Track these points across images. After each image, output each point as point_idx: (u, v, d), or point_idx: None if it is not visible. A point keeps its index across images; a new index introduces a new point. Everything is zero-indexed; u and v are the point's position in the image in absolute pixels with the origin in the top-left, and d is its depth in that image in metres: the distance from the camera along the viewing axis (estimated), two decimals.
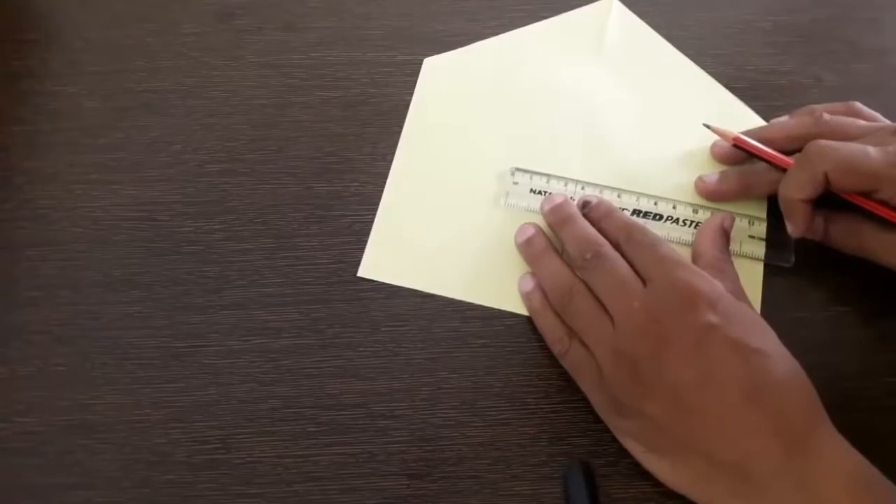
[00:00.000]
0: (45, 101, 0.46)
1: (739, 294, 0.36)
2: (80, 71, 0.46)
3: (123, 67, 0.46)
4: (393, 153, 0.44)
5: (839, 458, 0.30)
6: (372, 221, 0.42)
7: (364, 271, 0.40)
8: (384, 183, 0.43)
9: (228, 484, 0.36)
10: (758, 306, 0.39)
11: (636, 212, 0.41)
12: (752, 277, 0.40)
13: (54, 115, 0.45)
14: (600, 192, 0.41)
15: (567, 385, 0.37)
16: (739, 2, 0.49)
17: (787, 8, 0.49)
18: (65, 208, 0.42)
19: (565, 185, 0.42)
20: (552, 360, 0.38)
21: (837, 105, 0.41)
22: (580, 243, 0.38)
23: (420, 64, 0.46)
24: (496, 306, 0.40)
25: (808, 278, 0.40)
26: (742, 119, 0.45)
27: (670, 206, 0.41)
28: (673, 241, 0.40)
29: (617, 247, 0.37)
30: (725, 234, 0.38)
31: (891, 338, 0.39)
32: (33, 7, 0.49)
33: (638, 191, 0.42)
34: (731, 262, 0.38)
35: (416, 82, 0.46)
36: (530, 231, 0.40)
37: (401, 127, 0.44)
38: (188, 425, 0.37)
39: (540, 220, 0.41)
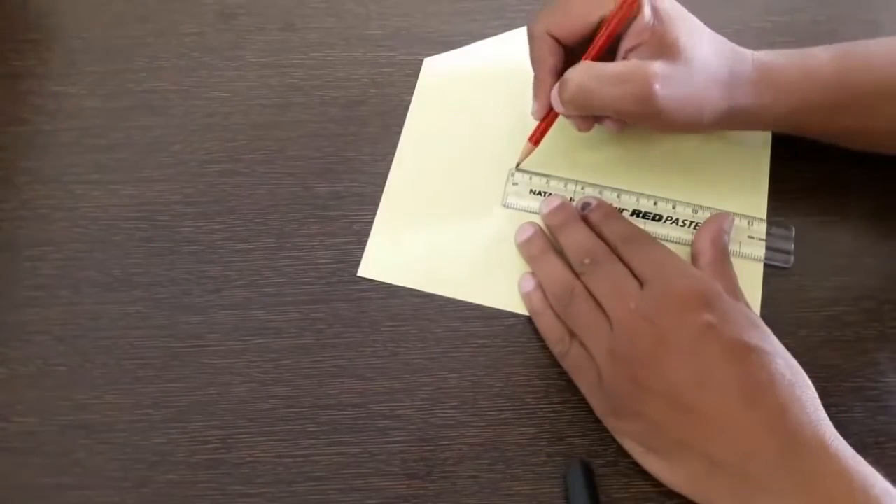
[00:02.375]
0: (45, 101, 0.46)
1: (737, 294, 0.36)
2: (80, 71, 0.47)
3: (123, 67, 0.47)
4: (393, 153, 0.44)
5: (838, 458, 0.30)
6: (372, 221, 0.42)
7: (364, 271, 0.40)
8: (384, 183, 0.43)
9: (228, 484, 0.36)
10: (758, 306, 0.39)
11: (636, 212, 0.41)
12: (751, 277, 0.40)
13: (54, 115, 0.45)
14: (600, 193, 0.42)
15: (567, 385, 0.37)
16: (739, 2, 0.49)
17: (787, 8, 0.49)
18: (65, 208, 0.42)
19: (565, 185, 0.42)
20: (552, 360, 0.38)
21: None
22: (578, 248, 0.38)
23: (420, 64, 0.46)
24: (496, 306, 0.40)
25: (808, 278, 0.40)
26: None
27: (670, 206, 0.41)
28: (672, 241, 0.40)
29: (615, 250, 0.37)
30: (724, 235, 0.38)
31: (891, 337, 0.39)
32: (33, 7, 0.49)
33: (638, 190, 0.42)
34: (730, 263, 0.38)
35: (416, 82, 0.46)
36: (530, 231, 0.40)
37: (401, 127, 0.44)
38: (188, 425, 0.37)
39: (540, 221, 0.41)
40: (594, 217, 0.39)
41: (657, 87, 0.35)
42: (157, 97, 0.46)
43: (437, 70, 0.46)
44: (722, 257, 0.38)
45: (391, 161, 0.43)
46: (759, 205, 0.42)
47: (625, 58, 0.37)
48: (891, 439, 0.37)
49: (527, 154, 0.41)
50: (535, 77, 0.39)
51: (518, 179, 0.42)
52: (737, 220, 0.41)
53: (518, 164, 0.42)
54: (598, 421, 0.36)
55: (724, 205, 0.41)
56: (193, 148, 0.44)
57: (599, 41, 0.37)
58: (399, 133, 0.44)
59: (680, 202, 0.41)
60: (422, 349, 0.39)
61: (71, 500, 0.36)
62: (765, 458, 0.31)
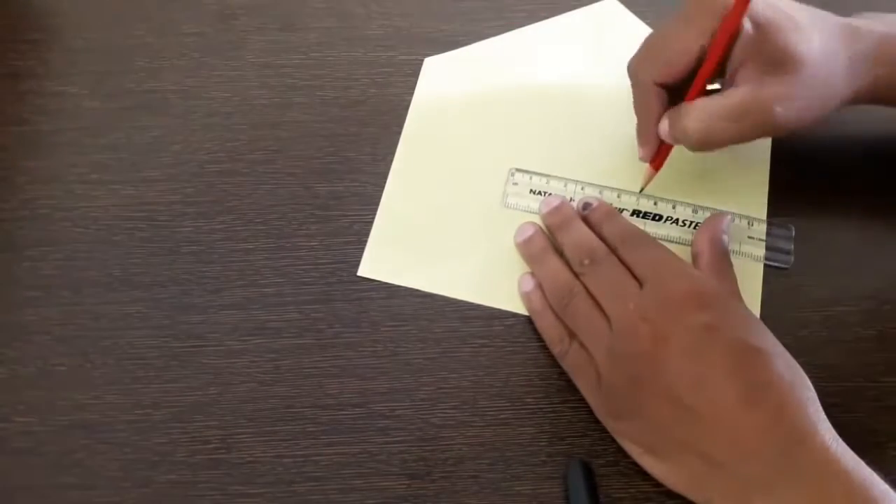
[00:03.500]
0: (45, 101, 0.46)
1: (737, 294, 0.36)
2: (80, 71, 0.47)
3: (124, 67, 0.47)
4: (393, 153, 0.44)
5: (837, 460, 0.30)
6: (372, 221, 0.42)
7: (364, 271, 0.40)
8: (384, 183, 0.43)
9: (228, 484, 0.36)
10: (757, 306, 0.39)
11: (636, 212, 0.41)
12: (751, 277, 0.40)
13: (55, 115, 0.45)
14: (600, 193, 0.42)
15: (567, 385, 0.37)
16: None
17: None
18: (65, 208, 0.42)
19: (565, 185, 0.42)
20: (552, 360, 0.38)
21: None
22: (577, 248, 0.38)
23: (420, 64, 0.46)
24: (496, 306, 0.40)
25: (808, 278, 0.40)
26: None
27: (670, 206, 0.41)
28: (673, 242, 0.40)
29: (615, 250, 0.37)
30: (723, 235, 0.38)
31: (891, 338, 0.39)
32: (34, 7, 0.49)
33: (638, 191, 0.42)
34: (730, 262, 0.38)
35: (415, 82, 0.46)
36: (530, 231, 0.40)
37: (401, 127, 0.44)
38: (188, 425, 0.37)
39: (540, 221, 0.41)
40: (594, 217, 0.39)
41: (778, 110, 0.34)
42: (157, 97, 0.46)
43: (437, 70, 0.46)
44: (721, 257, 0.38)
45: (391, 161, 0.43)
46: (759, 205, 0.42)
47: (733, 78, 0.36)
48: (891, 439, 0.37)
49: (649, 179, 0.41)
50: (640, 124, 0.39)
51: (518, 179, 0.42)
52: (737, 220, 0.41)
53: (642, 189, 0.41)
54: (598, 421, 0.36)
55: (724, 205, 0.41)
56: (193, 148, 0.44)
57: (707, 70, 0.36)
58: (399, 133, 0.44)
59: (680, 202, 0.41)
60: (422, 349, 0.39)
61: (71, 500, 0.36)
62: (764, 458, 0.31)
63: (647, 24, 0.47)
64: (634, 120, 0.40)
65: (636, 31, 0.47)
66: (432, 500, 0.36)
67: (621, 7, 0.48)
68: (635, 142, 0.40)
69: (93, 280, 0.41)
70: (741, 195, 0.42)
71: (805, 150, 0.42)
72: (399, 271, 0.40)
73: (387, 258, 0.41)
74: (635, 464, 0.35)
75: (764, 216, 0.41)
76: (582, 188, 0.42)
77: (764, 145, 0.43)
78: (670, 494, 0.34)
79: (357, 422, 0.37)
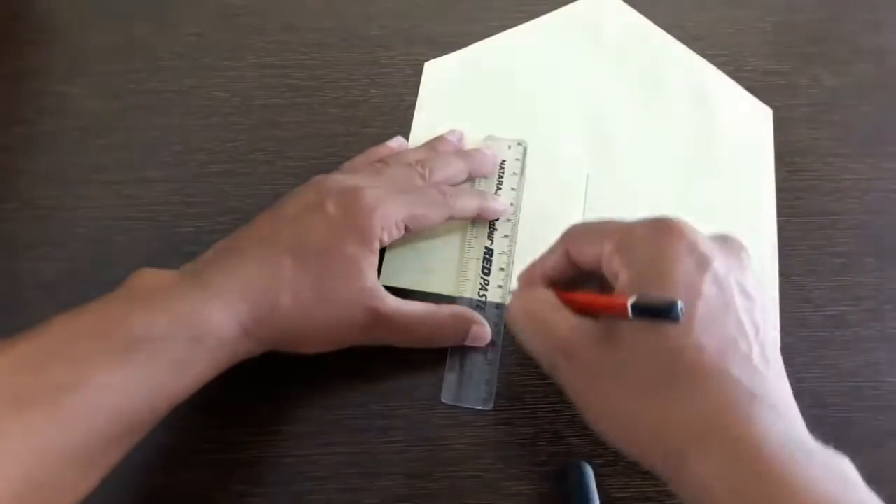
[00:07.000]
0: (46, 101, 0.46)
1: None
2: (81, 71, 0.47)
3: (124, 68, 0.47)
4: None
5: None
6: None
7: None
8: None
9: (228, 484, 0.36)
10: None
11: None
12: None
13: (56, 115, 0.45)
14: None
15: None
16: (739, 2, 0.49)
17: (787, 8, 0.49)
18: (65, 208, 0.42)
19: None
20: None
21: None
22: None
23: (420, 65, 0.46)
24: (501, 300, 0.39)
25: (808, 278, 0.40)
26: (743, 104, 0.45)
27: None
28: None
29: None
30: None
31: (891, 337, 0.39)
32: (35, 8, 0.49)
33: (645, 180, 0.42)
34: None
35: (415, 83, 0.46)
36: None
37: (401, 127, 0.44)
38: (188, 425, 0.37)
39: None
40: None
41: None
42: (157, 97, 0.46)
43: (437, 73, 0.46)
44: None
45: None
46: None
47: None
48: (891, 439, 0.37)
49: None
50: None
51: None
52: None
53: None
54: None
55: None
56: (193, 148, 0.44)
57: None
58: (399, 133, 0.44)
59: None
60: (422, 349, 0.38)
61: None
62: None
63: (643, 14, 0.48)
64: (637, 111, 0.40)
65: (633, 22, 0.48)
66: (432, 500, 0.35)
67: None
68: (638, 132, 0.40)
69: (93, 280, 0.40)
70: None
71: (805, 149, 0.42)
72: (402, 274, 0.40)
73: (396, 262, 0.40)
74: (634, 463, 0.35)
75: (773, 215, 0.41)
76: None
77: (767, 149, 0.43)
78: (670, 494, 0.34)
79: (357, 422, 0.37)
